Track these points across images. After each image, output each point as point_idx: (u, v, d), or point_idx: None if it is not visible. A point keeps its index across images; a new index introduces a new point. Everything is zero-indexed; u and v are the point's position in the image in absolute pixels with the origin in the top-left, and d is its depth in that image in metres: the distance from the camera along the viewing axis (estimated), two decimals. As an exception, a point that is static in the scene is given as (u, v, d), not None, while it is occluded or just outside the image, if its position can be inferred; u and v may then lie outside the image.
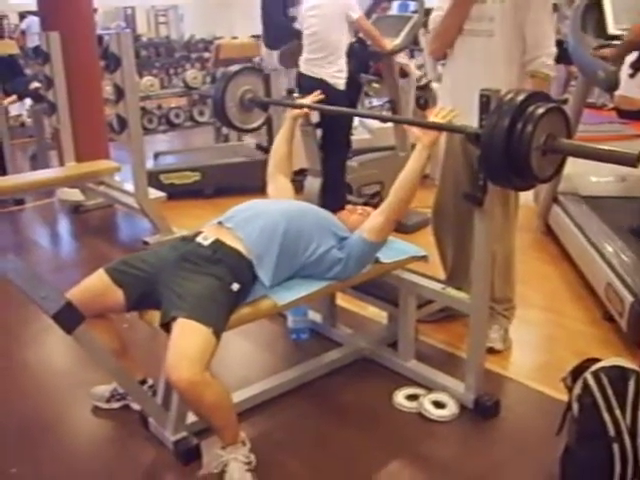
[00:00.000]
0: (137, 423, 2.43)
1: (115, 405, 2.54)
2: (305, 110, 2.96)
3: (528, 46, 2.67)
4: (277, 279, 2.32)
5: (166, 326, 2.08)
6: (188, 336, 1.99)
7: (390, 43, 4.19)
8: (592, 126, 5.49)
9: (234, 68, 3.25)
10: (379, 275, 2.64)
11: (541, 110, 1.94)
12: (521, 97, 1.96)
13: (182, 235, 2.42)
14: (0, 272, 2.08)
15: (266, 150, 3.45)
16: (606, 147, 1.91)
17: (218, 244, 2.27)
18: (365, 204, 3.69)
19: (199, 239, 2.31)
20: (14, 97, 7.47)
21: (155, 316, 2.18)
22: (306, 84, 4.09)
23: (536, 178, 2.04)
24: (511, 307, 3.00)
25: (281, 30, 5.89)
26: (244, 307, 2.24)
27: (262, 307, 2.30)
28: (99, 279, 2.27)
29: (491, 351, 2.79)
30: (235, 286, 2.18)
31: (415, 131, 2.34)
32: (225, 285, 2.16)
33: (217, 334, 2.04)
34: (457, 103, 2.54)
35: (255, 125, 3.39)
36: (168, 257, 2.28)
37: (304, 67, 4.18)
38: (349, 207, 2.75)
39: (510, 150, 1.95)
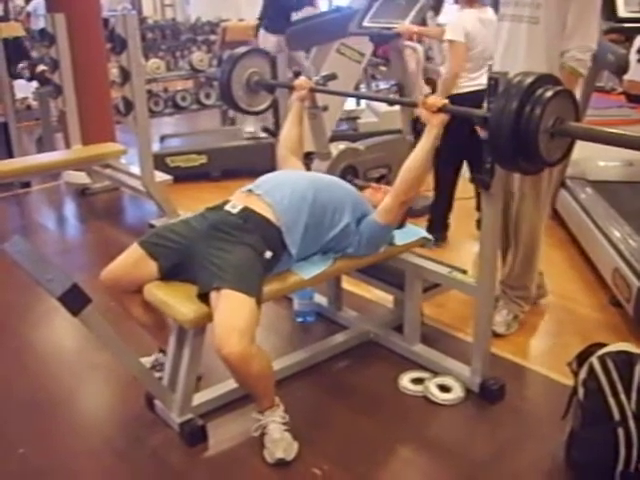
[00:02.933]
0: (143, 404, 2.44)
1: (157, 375, 2.50)
2: (307, 88, 2.88)
3: (564, 37, 2.55)
4: (303, 250, 2.36)
5: (204, 296, 2.13)
6: (235, 308, 2.04)
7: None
8: (601, 110, 5.45)
9: (241, 50, 3.23)
10: (392, 256, 2.65)
11: (549, 93, 1.92)
12: (529, 80, 1.94)
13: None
14: (7, 254, 2.08)
15: (272, 133, 3.43)
16: (614, 130, 1.89)
17: (247, 212, 2.31)
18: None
19: (227, 207, 2.35)
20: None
21: (152, 288, 2.25)
22: None
23: (544, 161, 2.02)
24: (526, 296, 2.96)
25: (281, 14, 5.85)
26: (273, 282, 2.28)
27: (290, 282, 2.34)
28: (134, 252, 2.31)
29: (492, 334, 2.80)
30: (268, 254, 2.24)
31: (424, 113, 2.33)
32: (259, 254, 2.21)
33: (259, 303, 2.10)
34: None
35: (262, 107, 3.37)
36: (199, 227, 2.31)
37: None
38: (373, 185, 2.75)
39: (518, 133, 1.93)
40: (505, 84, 2.02)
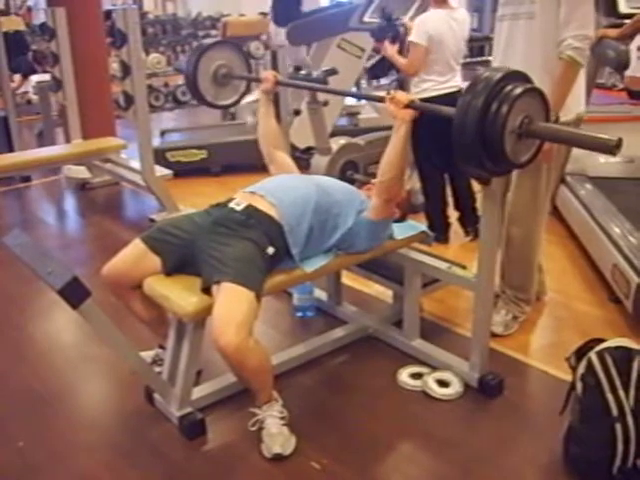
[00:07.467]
0: (142, 398, 2.44)
1: (157, 370, 2.48)
2: (272, 81, 2.81)
3: (559, 27, 2.50)
4: (307, 252, 2.37)
5: (207, 290, 2.15)
6: (234, 301, 2.05)
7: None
8: (602, 107, 5.44)
9: (208, 42, 3.24)
10: (391, 251, 2.66)
11: (518, 90, 1.84)
12: (498, 75, 1.86)
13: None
14: (7, 247, 2.08)
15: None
16: (585, 132, 1.84)
17: (251, 209, 2.32)
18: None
19: (232, 204, 2.36)
20: (19, 78, 7.47)
21: (152, 282, 2.26)
22: None
23: (510, 163, 1.94)
24: (525, 299, 2.91)
25: (290, 6, 5.81)
26: (275, 275, 2.29)
27: (292, 275, 2.36)
28: (136, 248, 2.32)
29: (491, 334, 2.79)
30: (270, 250, 2.25)
31: (391, 108, 2.30)
32: (261, 249, 2.22)
33: (259, 297, 2.11)
34: None
35: (229, 101, 3.37)
36: (202, 223, 2.33)
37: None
38: (373, 181, 2.75)
39: (483, 131, 1.83)
40: (473, 79, 1.91)
